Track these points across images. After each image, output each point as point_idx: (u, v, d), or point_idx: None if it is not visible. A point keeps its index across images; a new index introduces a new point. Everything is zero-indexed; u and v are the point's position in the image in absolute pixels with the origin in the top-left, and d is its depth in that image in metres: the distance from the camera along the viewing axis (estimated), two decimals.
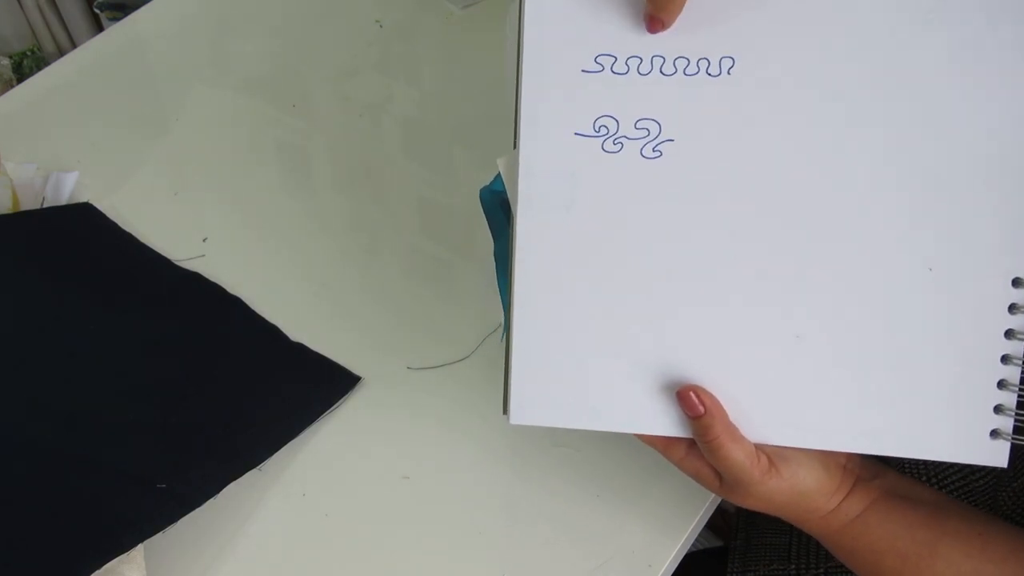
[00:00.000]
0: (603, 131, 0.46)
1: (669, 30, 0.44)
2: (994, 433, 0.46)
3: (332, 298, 0.72)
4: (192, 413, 0.63)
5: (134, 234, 0.75)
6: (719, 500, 0.60)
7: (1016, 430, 0.46)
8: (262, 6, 0.97)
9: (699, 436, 0.48)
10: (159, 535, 0.56)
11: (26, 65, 1.67)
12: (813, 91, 0.45)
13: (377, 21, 0.94)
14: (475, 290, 0.68)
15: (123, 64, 0.92)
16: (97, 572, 0.53)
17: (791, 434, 0.48)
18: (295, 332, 0.69)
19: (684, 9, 0.44)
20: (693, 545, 0.60)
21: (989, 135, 0.44)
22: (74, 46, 1.20)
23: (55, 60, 0.95)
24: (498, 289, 0.54)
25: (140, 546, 0.55)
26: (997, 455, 0.47)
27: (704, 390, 0.47)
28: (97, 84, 0.89)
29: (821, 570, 0.65)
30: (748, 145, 0.45)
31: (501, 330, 0.50)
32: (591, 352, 0.48)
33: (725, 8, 0.44)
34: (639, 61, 0.45)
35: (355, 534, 0.59)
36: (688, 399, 0.47)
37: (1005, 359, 0.46)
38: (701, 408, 0.47)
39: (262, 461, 0.61)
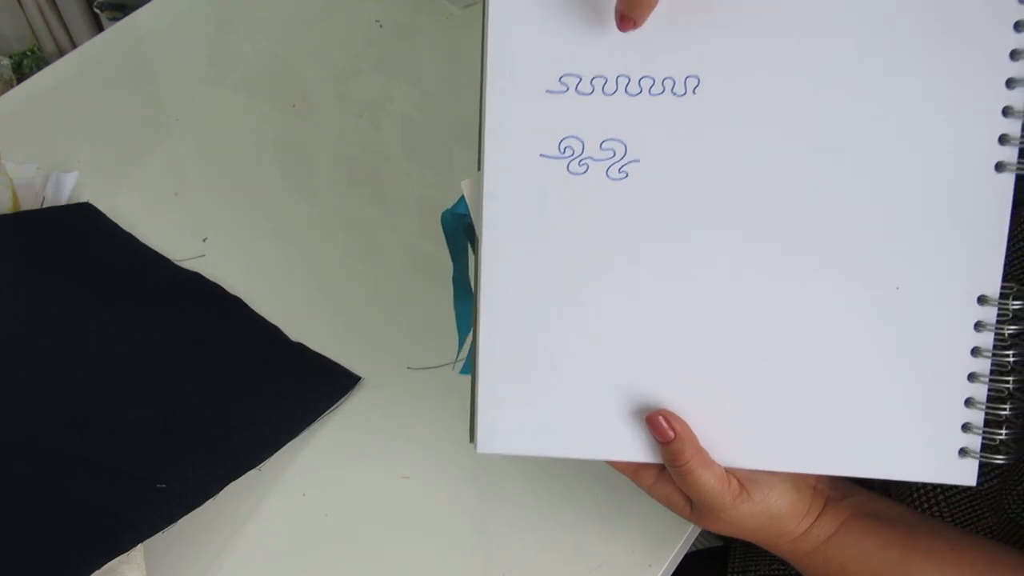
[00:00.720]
0: (568, 152, 0.45)
1: (634, 47, 0.44)
2: (962, 451, 0.46)
3: (332, 298, 0.72)
4: (192, 413, 0.63)
5: (134, 234, 0.75)
6: None
7: (984, 447, 0.46)
8: (262, 6, 0.97)
9: (669, 461, 0.47)
10: (159, 535, 0.56)
11: (26, 65, 1.67)
12: (779, 111, 0.44)
13: (377, 21, 0.94)
14: None
15: (123, 64, 0.92)
16: (97, 572, 0.53)
17: (761, 457, 0.47)
18: (295, 332, 0.69)
19: (649, 29, 0.43)
20: (693, 545, 0.60)
21: (953, 156, 0.44)
22: (74, 46, 1.20)
23: (55, 60, 0.95)
24: (455, 315, 0.53)
25: (140, 546, 0.55)
26: (966, 473, 0.46)
27: (674, 415, 0.47)
28: (97, 84, 0.89)
29: None
30: (714, 165, 0.45)
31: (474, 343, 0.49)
32: (559, 378, 0.47)
33: (690, 27, 0.44)
34: (604, 81, 0.44)
35: (355, 534, 0.59)
36: (658, 424, 0.47)
37: (972, 377, 0.45)
38: (671, 433, 0.46)
39: (262, 461, 0.61)
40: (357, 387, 0.66)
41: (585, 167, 0.45)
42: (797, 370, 0.46)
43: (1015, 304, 0.44)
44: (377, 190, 0.80)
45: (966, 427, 0.46)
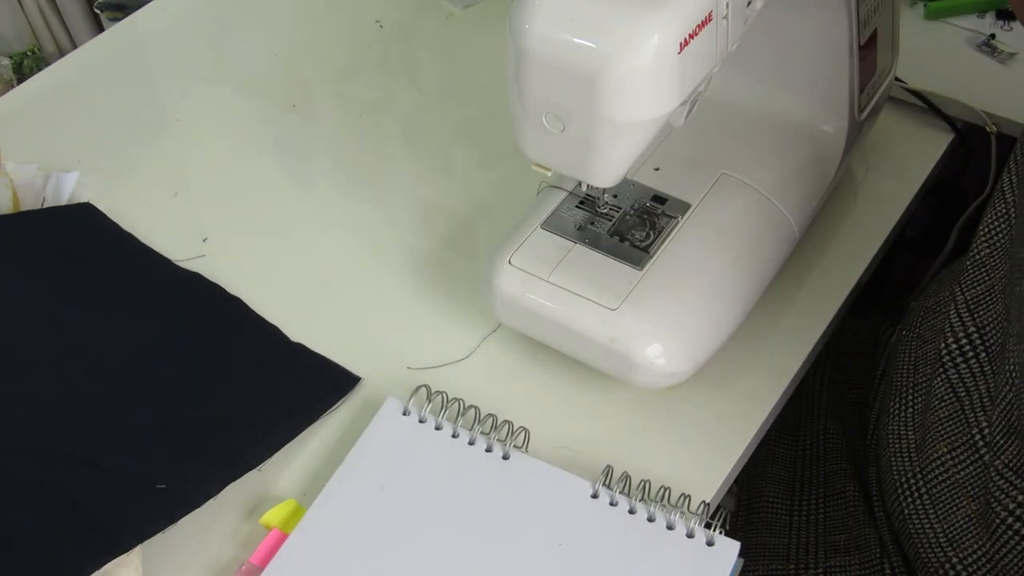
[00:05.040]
0: None
1: None
2: None
3: (332, 298, 0.72)
4: (192, 413, 0.63)
5: (134, 234, 0.75)
6: (718, 499, 0.60)
7: None
8: (262, 6, 0.97)
9: None
10: (159, 535, 0.56)
11: (26, 65, 1.67)
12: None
13: (377, 21, 0.94)
14: (475, 290, 0.68)
15: (123, 64, 0.92)
16: (96, 572, 0.53)
17: None
18: (295, 332, 0.69)
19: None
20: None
21: None
22: (74, 46, 1.21)
23: (55, 60, 0.95)
24: None
25: (138, 547, 0.55)
26: None
27: None
28: (97, 84, 0.89)
29: (820, 570, 0.65)
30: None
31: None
32: None
33: None
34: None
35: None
36: None
37: None
38: None
39: (262, 461, 0.61)
40: (357, 387, 0.66)
41: None
42: None
43: None
44: (377, 190, 0.80)
45: None
